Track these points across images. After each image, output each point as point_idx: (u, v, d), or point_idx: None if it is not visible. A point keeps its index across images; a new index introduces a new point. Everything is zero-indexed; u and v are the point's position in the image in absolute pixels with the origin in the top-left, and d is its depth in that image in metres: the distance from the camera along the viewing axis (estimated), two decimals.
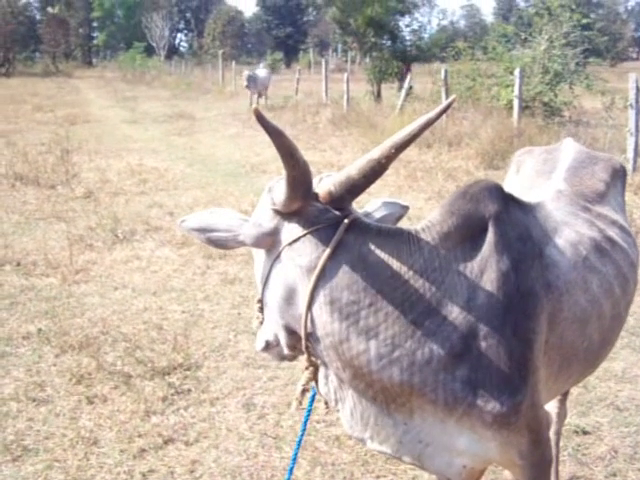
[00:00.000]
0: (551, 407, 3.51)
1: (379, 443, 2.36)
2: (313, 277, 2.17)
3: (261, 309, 2.44)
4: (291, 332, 2.33)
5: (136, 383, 4.88)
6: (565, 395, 3.59)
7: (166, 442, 4.23)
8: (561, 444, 3.98)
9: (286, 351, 2.42)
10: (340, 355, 2.21)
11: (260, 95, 25.00)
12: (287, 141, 2.02)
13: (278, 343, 2.42)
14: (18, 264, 7.41)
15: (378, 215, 2.52)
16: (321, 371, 2.38)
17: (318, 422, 4.39)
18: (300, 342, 2.31)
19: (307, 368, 2.36)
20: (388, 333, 2.16)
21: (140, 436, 4.28)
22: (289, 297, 2.26)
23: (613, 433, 4.32)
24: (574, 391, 4.67)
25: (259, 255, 2.38)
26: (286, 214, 2.22)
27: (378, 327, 2.16)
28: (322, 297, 2.18)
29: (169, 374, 5.02)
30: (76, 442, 4.21)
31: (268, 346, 2.45)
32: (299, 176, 2.10)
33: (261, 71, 26.07)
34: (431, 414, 2.25)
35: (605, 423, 4.42)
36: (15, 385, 4.88)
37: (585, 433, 4.31)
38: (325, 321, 2.19)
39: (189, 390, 4.84)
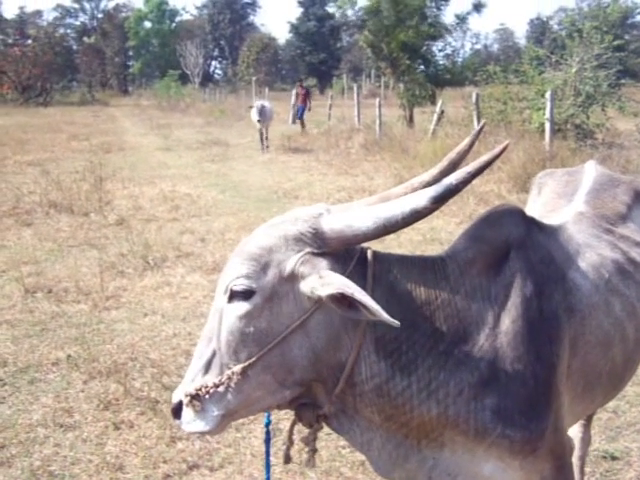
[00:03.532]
0: (575, 432, 3.47)
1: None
2: None
3: (217, 386, 2.13)
4: (305, 384, 2.17)
5: (162, 409, 4.87)
6: (589, 420, 3.55)
7: (191, 468, 4.22)
8: (589, 470, 3.93)
9: (258, 412, 2.33)
10: (383, 396, 2.14)
11: (266, 129, 21.76)
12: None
13: (235, 412, 2.19)
14: (50, 291, 7.48)
15: None
16: (344, 415, 2.23)
17: (343, 447, 4.35)
18: (302, 394, 2.20)
19: (318, 420, 2.23)
20: (425, 366, 2.13)
21: (165, 462, 4.28)
22: (332, 344, 2.10)
23: None
24: (603, 416, 4.60)
25: (264, 312, 2.10)
26: (322, 255, 2.08)
27: (416, 360, 2.13)
28: (368, 336, 2.11)
29: None
30: (102, 468, 4.22)
31: (224, 418, 2.17)
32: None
33: (266, 103, 23.89)
34: (461, 445, 2.21)
35: (635, 448, 4.34)
36: (43, 411, 4.91)
37: (614, 458, 4.23)
38: (372, 361, 2.12)
39: None
